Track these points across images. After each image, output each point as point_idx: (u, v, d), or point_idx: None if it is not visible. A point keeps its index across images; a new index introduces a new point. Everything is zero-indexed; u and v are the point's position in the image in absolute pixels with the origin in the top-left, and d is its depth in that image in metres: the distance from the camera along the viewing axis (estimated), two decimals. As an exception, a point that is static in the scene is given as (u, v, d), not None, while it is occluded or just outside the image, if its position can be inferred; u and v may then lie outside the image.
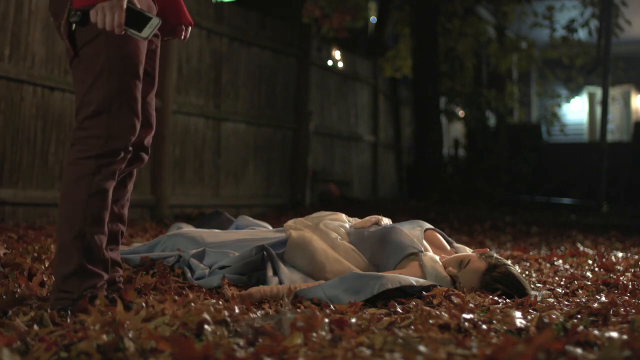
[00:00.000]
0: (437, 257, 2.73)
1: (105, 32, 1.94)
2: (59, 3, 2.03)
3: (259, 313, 2.05)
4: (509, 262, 2.76)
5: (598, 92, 14.08)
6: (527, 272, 3.40)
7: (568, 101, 15.69)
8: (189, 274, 2.75)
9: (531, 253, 4.48)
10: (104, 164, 2.00)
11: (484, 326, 1.85)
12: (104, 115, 1.99)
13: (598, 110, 14.46)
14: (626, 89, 16.73)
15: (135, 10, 1.97)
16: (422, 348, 1.46)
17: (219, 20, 7.30)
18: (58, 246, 2.02)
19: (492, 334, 1.80)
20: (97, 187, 2.00)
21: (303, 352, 1.54)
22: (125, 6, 1.91)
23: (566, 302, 2.44)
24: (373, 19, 12.95)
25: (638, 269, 3.48)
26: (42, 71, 5.25)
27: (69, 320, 1.83)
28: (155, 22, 1.97)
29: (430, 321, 1.87)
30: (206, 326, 1.71)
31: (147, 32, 1.97)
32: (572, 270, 3.44)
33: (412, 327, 1.88)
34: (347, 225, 3.02)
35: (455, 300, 2.30)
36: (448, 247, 2.95)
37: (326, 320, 1.76)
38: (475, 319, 1.90)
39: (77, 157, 2.00)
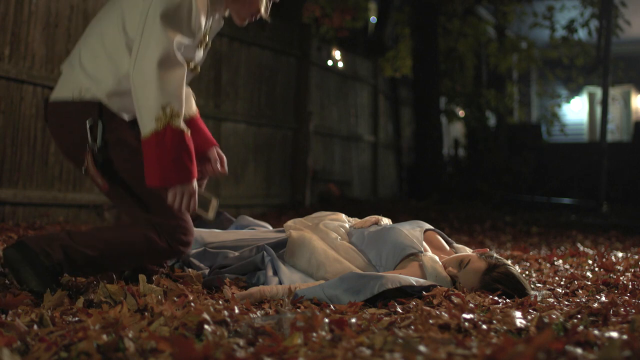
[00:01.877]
0: (437, 257, 2.73)
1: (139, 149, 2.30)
2: (75, 139, 2.35)
3: (259, 313, 2.05)
4: (509, 262, 2.76)
5: (598, 92, 14.06)
6: (527, 272, 3.40)
7: (568, 101, 15.67)
8: (189, 274, 2.75)
9: (531, 253, 4.48)
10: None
11: (484, 326, 1.85)
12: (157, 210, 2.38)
13: (598, 110, 14.45)
14: (626, 89, 16.72)
15: (200, 194, 2.35)
16: (422, 348, 1.46)
17: (219, 20, 7.29)
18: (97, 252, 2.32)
19: (492, 334, 1.80)
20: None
21: (303, 352, 1.54)
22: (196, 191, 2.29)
23: (566, 302, 2.44)
24: (373, 19, 12.94)
25: (638, 269, 3.48)
26: (42, 71, 5.25)
27: (77, 314, 1.83)
28: (215, 203, 2.41)
29: (430, 321, 1.87)
30: (206, 326, 1.71)
31: (212, 213, 2.39)
32: (572, 270, 3.44)
33: (412, 327, 1.88)
34: (347, 225, 3.02)
35: (455, 300, 2.30)
36: (448, 247, 2.94)
37: (326, 320, 1.76)
38: (475, 319, 1.90)
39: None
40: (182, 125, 2.24)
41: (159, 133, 2.18)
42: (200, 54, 2.43)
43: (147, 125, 2.21)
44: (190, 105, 2.64)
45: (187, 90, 2.60)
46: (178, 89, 2.24)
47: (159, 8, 2.24)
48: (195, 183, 2.29)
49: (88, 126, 2.31)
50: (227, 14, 2.60)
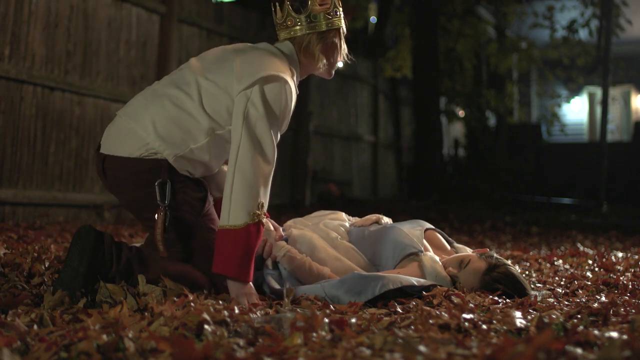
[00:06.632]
0: (437, 257, 2.73)
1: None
2: (140, 196, 2.35)
3: (258, 313, 2.05)
4: (509, 262, 2.76)
5: (598, 92, 14.07)
6: (527, 272, 3.40)
7: (568, 101, 15.68)
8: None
9: (531, 253, 4.48)
10: None
11: (484, 326, 1.85)
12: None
13: (598, 110, 14.45)
14: (626, 89, 16.71)
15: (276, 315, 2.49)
16: (422, 348, 1.46)
17: (219, 20, 7.29)
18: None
19: (492, 334, 1.80)
20: None
21: (303, 352, 1.54)
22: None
23: (566, 302, 2.44)
24: (373, 19, 12.94)
25: (638, 269, 3.48)
26: (42, 71, 5.25)
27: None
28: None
29: (430, 321, 1.87)
30: (206, 326, 1.71)
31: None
32: (572, 270, 3.44)
33: (412, 327, 1.88)
34: (347, 225, 3.01)
35: (455, 300, 2.30)
36: (448, 247, 2.94)
37: (326, 320, 1.76)
38: (475, 319, 1.90)
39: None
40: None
41: (251, 226, 2.27)
42: None
43: (241, 217, 2.26)
44: None
45: None
46: (269, 185, 2.35)
47: (261, 106, 2.28)
48: (252, 287, 2.32)
49: (158, 186, 2.31)
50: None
